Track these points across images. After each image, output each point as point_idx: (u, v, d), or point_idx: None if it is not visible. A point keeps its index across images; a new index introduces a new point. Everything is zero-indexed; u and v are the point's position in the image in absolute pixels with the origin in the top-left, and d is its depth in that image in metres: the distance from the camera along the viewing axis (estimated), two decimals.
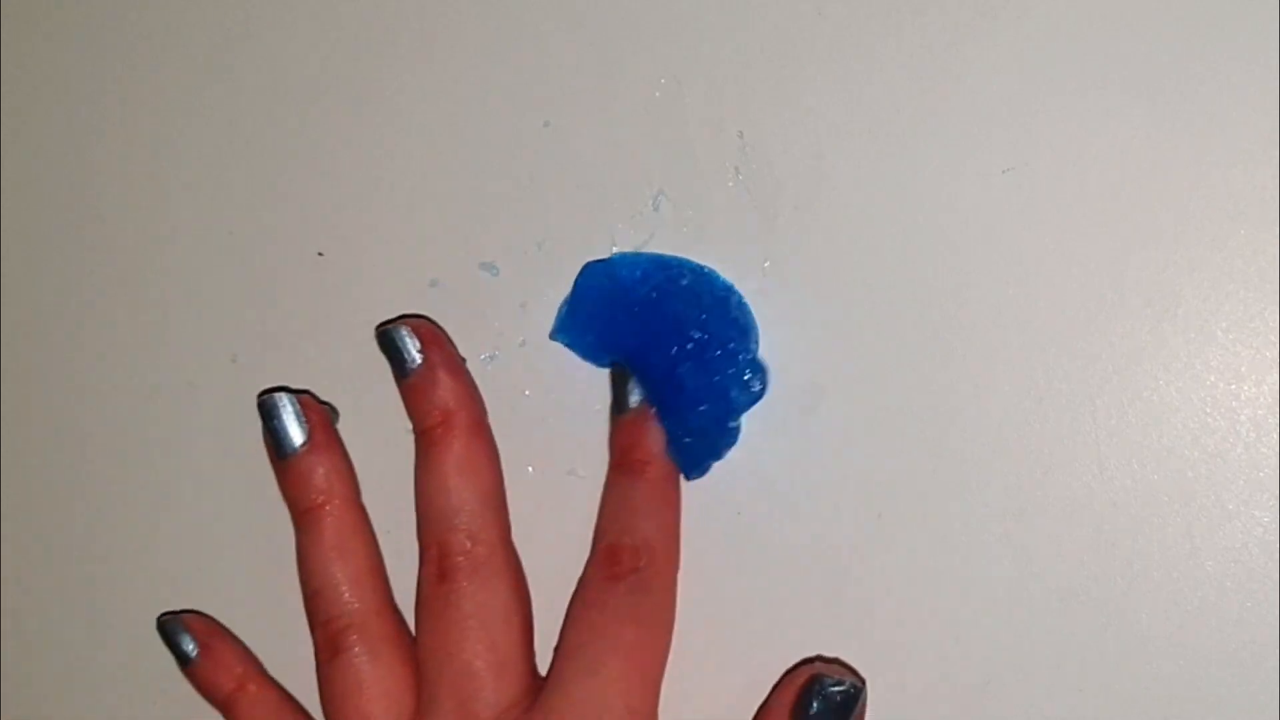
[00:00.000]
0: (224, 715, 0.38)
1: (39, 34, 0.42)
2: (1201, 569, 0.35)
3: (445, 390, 0.37)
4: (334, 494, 0.37)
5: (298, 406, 0.38)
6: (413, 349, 0.37)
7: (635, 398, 0.37)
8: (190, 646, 0.38)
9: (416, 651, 0.37)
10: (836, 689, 0.34)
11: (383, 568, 0.38)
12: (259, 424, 0.39)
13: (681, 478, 0.37)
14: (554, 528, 0.38)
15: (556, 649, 0.36)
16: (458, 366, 0.37)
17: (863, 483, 0.37)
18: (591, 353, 0.38)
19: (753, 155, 0.37)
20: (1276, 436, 0.35)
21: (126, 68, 0.41)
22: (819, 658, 0.36)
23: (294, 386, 0.40)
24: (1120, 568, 0.35)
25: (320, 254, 0.40)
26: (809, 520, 0.37)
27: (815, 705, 0.34)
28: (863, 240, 0.36)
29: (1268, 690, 0.35)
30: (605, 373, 0.38)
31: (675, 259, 0.37)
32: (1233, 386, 0.35)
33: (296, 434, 0.37)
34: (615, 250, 0.38)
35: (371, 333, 0.38)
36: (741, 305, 0.37)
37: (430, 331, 0.37)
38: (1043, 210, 0.36)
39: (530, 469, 0.38)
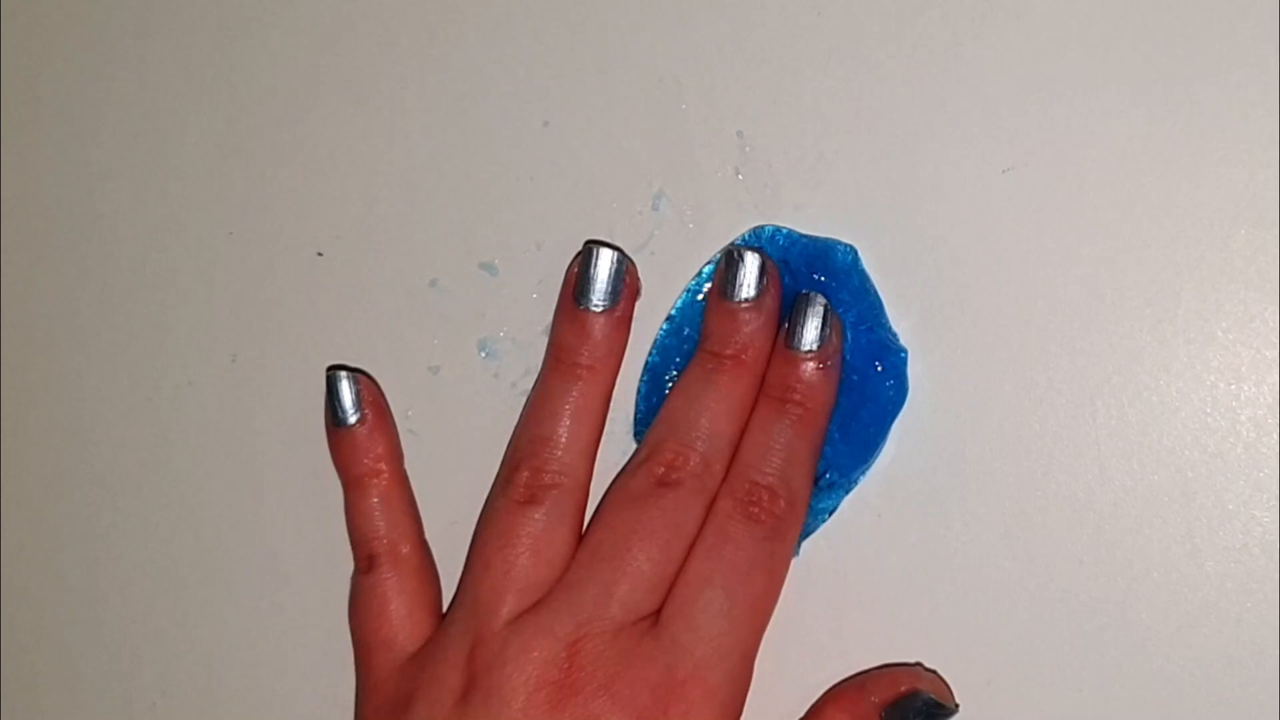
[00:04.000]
0: (346, 491, 0.38)
1: (39, 34, 0.42)
2: (1201, 569, 0.35)
3: (763, 331, 0.36)
4: (607, 365, 0.37)
5: (622, 275, 0.37)
6: (755, 281, 0.36)
7: (818, 334, 0.35)
8: (352, 413, 0.38)
9: (591, 529, 0.36)
10: (937, 710, 0.35)
11: (597, 451, 0.37)
12: (259, 423, 0.39)
13: None
14: None
15: (682, 573, 0.35)
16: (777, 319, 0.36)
17: (863, 483, 0.37)
18: None
19: (753, 155, 0.37)
20: (1276, 436, 0.35)
21: (126, 68, 0.41)
22: (919, 664, 0.36)
23: (293, 386, 0.40)
24: (1120, 568, 0.35)
25: (320, 254, 0.40)
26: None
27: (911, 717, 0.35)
28: (862, 240, 0.36)
29: (1268, 690, 0.35)
30: None
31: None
32: (1233, 386, 0.35)
33: (607, 292, 0.37)
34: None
35: (371, 334, 0.38)
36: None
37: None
38: (1043, 210, 0.36)
39: None
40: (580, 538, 0.36)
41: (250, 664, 0.41)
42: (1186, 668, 0.35)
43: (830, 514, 0.37)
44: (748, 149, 0.37)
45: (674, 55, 0.38)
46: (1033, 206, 0.36)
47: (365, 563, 0.37)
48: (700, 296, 0.37)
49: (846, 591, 0.37)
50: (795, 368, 0.35)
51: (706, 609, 0.34)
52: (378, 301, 0.40)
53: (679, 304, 0.37)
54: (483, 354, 0.39)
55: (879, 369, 0.36)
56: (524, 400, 0.38)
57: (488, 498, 0.37)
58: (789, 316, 0.36)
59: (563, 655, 0.34)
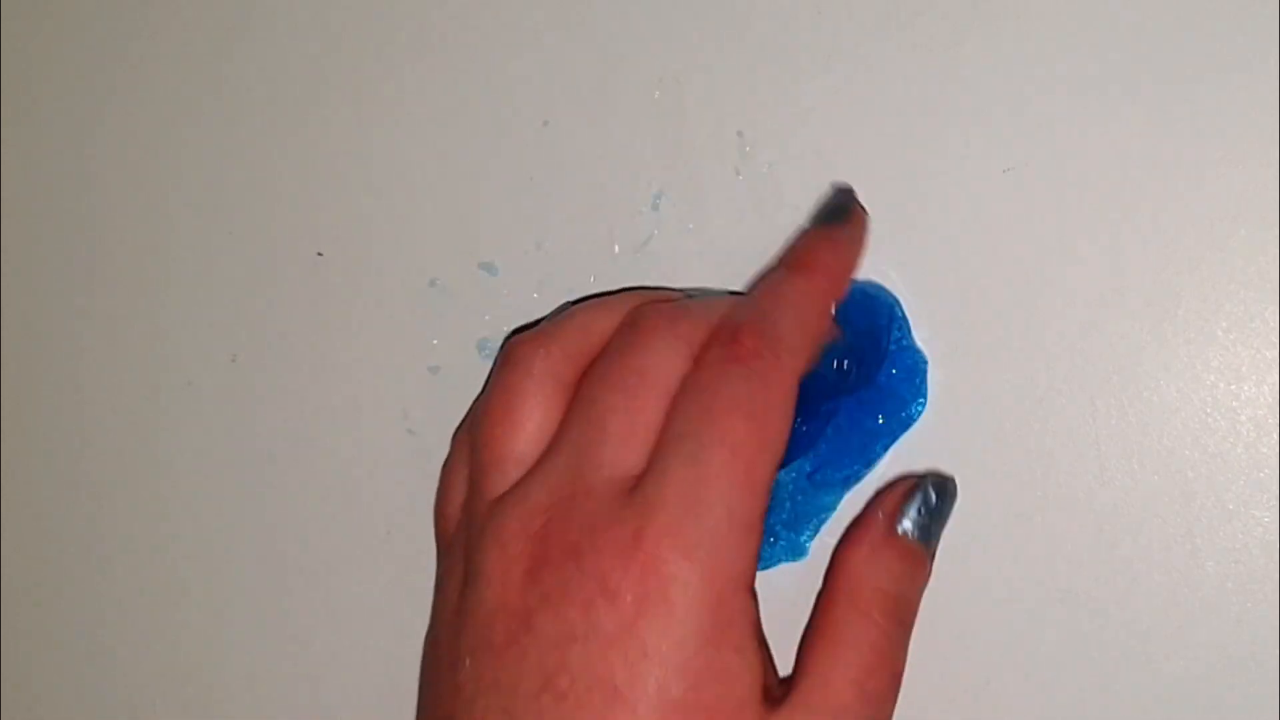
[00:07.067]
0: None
1: (39, 34, 0.42)
2: (1201, 569, 0.35)
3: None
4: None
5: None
6: (855, 215, 0.36)
7: (845, 206, 0.36)
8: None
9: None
10: (941, 488, 0.34)
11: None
12: (259, 423, 0.39)
13: None
14: None
15: (662, 430, 0.32)
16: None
17: (863, 483, 0.37)
18: None
19: (753, 155, 0.37)
20: (1276, 436, 0.35)
21: (126, 68, 0.41)
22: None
23: (293, 386, 0.40)
24: (1120, 568, 0.35)
25: (320, 254, 0.40)
26: None
27: (919, 505, 0.34)
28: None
29: (1268, 690, 0.35)
30: None
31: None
32: (1233, 386, 0.35)
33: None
34: (616, 250, 0.38)
35: (371, 334, 0.38)
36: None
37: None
38: (1043, 210, 0.36)
39: None
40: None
41: (251, 665, 0.41)
42: (1186, 668, 0.35)
43: (832, 511, 0.37)
44: (748, 149, 0.37)
45: (674, 55, 0.38)
46: (1033, 206, 0.36)
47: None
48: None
49: None
50: (820, 241, 0.35)
51: (677, 460, 0.31)
52: (378, 301, 0.40)
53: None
54: (483, 354, 0.39)
55: (894, 373, 0.36)
56: None
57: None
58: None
59: (536, 527, 0.32)
